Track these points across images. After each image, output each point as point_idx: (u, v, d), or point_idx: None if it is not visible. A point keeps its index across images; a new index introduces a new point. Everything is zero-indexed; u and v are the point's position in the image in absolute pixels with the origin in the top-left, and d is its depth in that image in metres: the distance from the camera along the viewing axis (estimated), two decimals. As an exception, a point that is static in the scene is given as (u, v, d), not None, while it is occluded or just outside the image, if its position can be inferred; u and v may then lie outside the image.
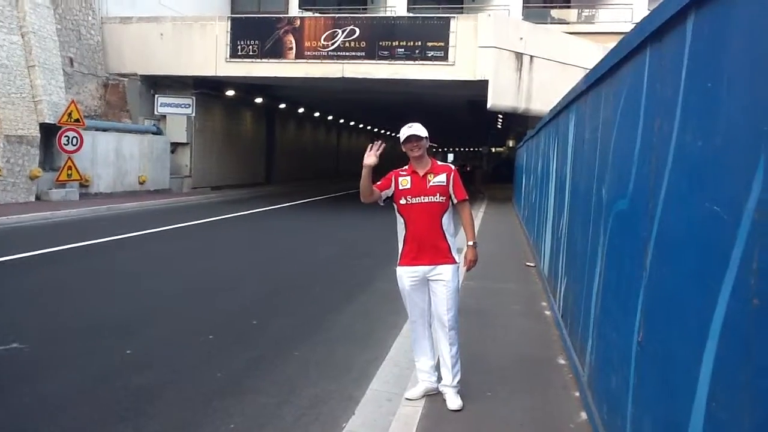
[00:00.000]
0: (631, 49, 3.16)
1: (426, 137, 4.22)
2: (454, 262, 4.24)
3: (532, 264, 9.48)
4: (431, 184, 4.21)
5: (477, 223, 15.33)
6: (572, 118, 5.65)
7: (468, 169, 46.21)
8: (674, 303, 2.25)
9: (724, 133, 1.90)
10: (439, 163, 4.38)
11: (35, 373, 4.90)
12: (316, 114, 39.37)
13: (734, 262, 1.70)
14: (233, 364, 5.19)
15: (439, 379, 4.28)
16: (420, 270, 4.23)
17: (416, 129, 4.21)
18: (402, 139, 4.23)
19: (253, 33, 22.15)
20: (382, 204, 4.38)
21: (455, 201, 4.27)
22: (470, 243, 4.34)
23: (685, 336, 2.09)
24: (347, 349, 5.70)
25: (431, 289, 4.27)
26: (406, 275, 4.27)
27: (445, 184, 4.23)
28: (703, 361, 1.87)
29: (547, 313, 6.63)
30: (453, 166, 4.40)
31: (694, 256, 2.07)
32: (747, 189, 1.64)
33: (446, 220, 4.24)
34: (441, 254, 4.21)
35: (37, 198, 18.31)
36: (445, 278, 4.19)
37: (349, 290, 8.25)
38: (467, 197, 4.32)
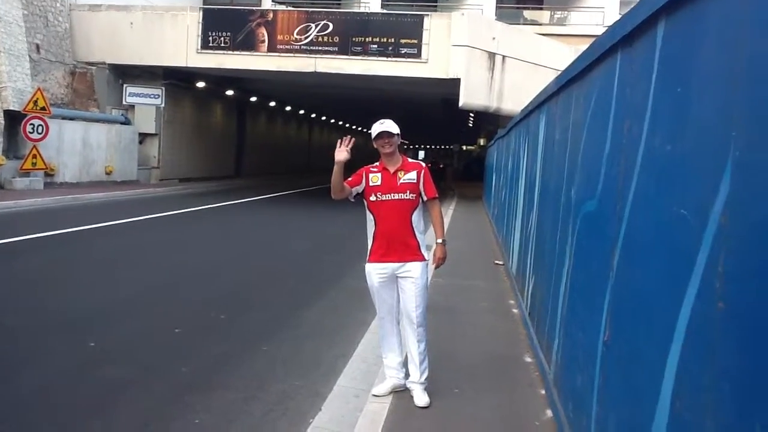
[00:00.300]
0: (602, 53, 3.19)
1: (398, 134, 4.23)
2: (423, 259, 4.25)
3: (500, 262, 9.56)
4: (402, 181, 4.21)
5: (447, 220, 15.40)
6: (543, 118, 5.70)
7: (441, 166, 46.39)
8: (640, 304, 2.28)
9: (693, 137, 1.93)
10: (410, 160, 4.38)
11: (6, 363, 4.80)
12: (288, 108, 39.16)
13: (699, 266, 1.73)
14: (201, 359, 5.15)
15: (407, 375, 4.29)
16: (389, 267, 4.24)
17: (388, 125, 4.21)
18: (373, 136, 4.22)
19: (225, 25, 21.93)
20: (352, 200, 4.38)
21: (425, 198, 4.28)
22: (439, 241, 4.35)
23: (651, 337, 2.12)
24: (316, 344, 5.68)
25: (400, 286, 4.28)
26: (374, 272, 4.27)
27: (415, 181, 4.23)
28: (667, 362, 1.90)
29: (515, 311, 6.69)
30: (423, 164, 4.40)
31: (661, 258, 2.10)
32: (714, 193, 1.67)
33: (416, 218, 4.25)
34: (410, 251, 4.22)
35: (1, 187, 17.92)
36: (413, 275, 4.20)
37: (318, 286, 8.23)
38: (437, 195, 4.34)
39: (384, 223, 4.24)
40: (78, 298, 6.97)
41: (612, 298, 2.65)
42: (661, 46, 2.28)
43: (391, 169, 4.25)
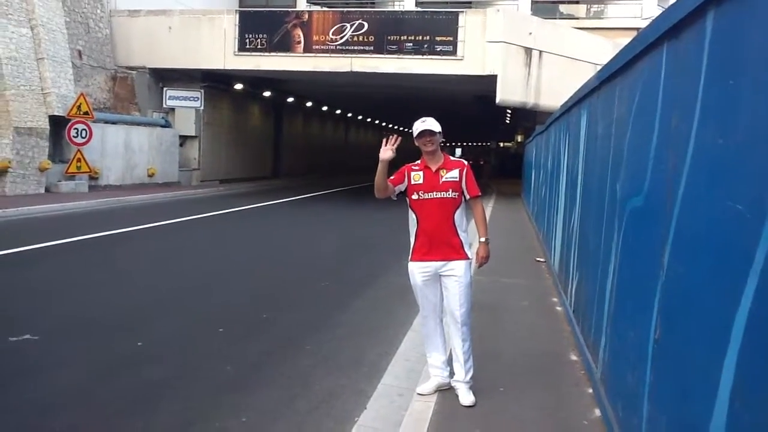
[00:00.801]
0: (647, 45, 3.14)
1: (439, 132, 4.21)
2: (466, 257, 4.23)
3: (542, 259, 9.47)
4: (444, 179, 4.19)
5: (486, 217, 15.31)
6: (584, 114, 5.63)
7: (482, 162, 46.25)
8: (693, 302, 2.24)
9: (747, 130, 1.89)
10: (452, 158, 4.36)
11: (47, 364, 4.93)
12: (324, 108, 39.36)
13: (758, 262, 1.68)
14: (244, 358, 5.20)
15: (452, 374, 4.28)
16: (432, 266, 4.23)
17: (430, 124, 4.19)
18: (415, 134, 4.21)
19: (261, 27, 22.14)
20: (395, 198, 4.38)
21: (468, 197, 4.27)
22: (482, 239, 4.35)
23: (706, 335, 2.08)
24: (358, 343, 5.70)
25: (443, 285, 4.27)
26: (417, 270, 4.27)
27: (457, 179, 4.21)
28: (725, 361, 1.86)
29: (558, 308, 6.62)
30: (465, 162, 4.37)
31: (715, 254, 2.06)
32: (772, 187, 1.63)
33: (458, 216, 4.23)
34: (453, 250, 4.20)
35: (47, 190, 18.38)
36: (457, 274, 4.19)
37: (358, 284, 8.26)
38: (480, 193, 4.33)
39: (426, 222, 4.22)
40: (126, 297, 7.10)
41: (663, 295, 2.60)
42: (710, 38, 2.23)
43: (433, 168, 4.23)
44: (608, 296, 3.82)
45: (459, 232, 4.23)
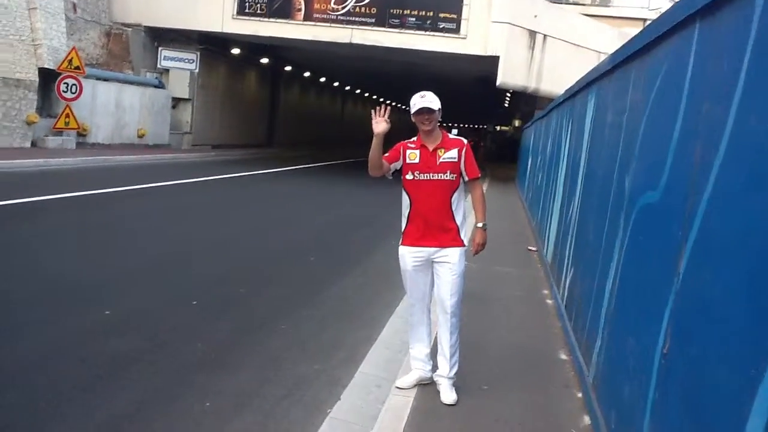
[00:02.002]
0: (674, 25, 2.82)
1: (438, 109, 3.88)
2: (461, 245, 3.93)
3: (534, 248, 9.20)
4: (441, 160, 3.87)
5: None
6: (592, 99, 5.31)
7: (481, 144, 45.84)
8: (719, 316, 1.95)
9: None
10: (451, 136, 4.03)
11: (11, 330, 4.62)
12: (322, 79, 38.79)
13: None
14: (215, 335, 4.91)
15: (434, 368, 4.00)
16: (425, 251, 3.93)
17: (429, 99, 3.85)
18: (413, 110, 3.87)
19: (262, -10, 21.58)
20: (390, 177, 4.07)
21: (466, 179, 3.95)
22: (479, 225, 4.02)
23: (735, 357, 1.79)
24: (338, 325, 5.42)
25: (435, 272, 3.97)
26: (409, 255, 3.97)
27: (456, 160, 3.89)
28: (759, 390, 1.57)
29: (549, 301, 6.35)
30: (465, 141, 4.03)
31: (750, 263, 1.77)
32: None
33: (456, 200, 3.92)
34: (448, 236, 3.91)
35: (33, 144, 17.93)
36: (451, 261, 3.89)
37: (344, 262, 7.98)
38: (479, 175, 4.01)
39: (421, 205, 3.91)
40: (100, 263, 6.78)
41: (676, 305, 2.31)
42: (761, 13, 1.91)
43: (430, 147, 3.90)
44: (607, 296, 3.54)
45: (455, 216, 3.93)
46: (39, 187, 11.24)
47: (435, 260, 3.95)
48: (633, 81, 3.62)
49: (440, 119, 3.97)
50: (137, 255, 7.34)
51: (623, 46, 3.98)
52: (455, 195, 3.92)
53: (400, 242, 4.03)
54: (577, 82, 6.60)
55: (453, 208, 3.92)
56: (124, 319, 5.07)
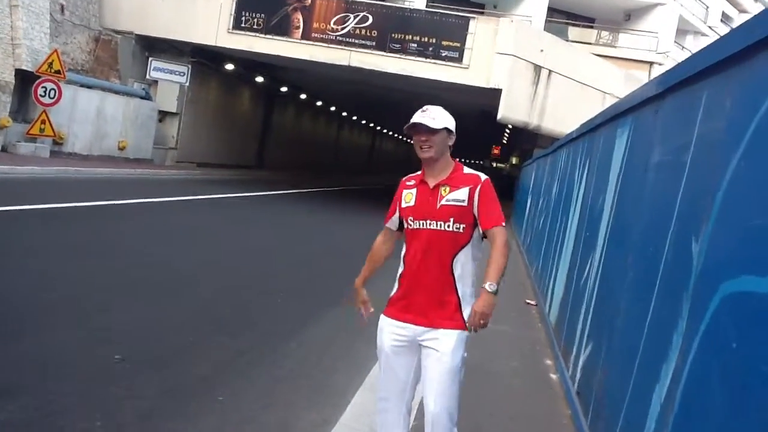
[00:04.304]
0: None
1: (445, 129, 2.83)
2: (461, 326, 2.81)
3: (533, 302, 8.12)
4: (443, 202, 2.81)
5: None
6: (623, 133, 4.29)
7: None
8: None
9: None
10: (467, 170, 2.90)
11: None
12: (318, 103, 37.87)
13: None
14: (132, 404, 3.79)
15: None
16: (409, 329, 2.85)
17: (431, 114, 2.81)
18: (407, 126, 2.84)
19: (260, 5, 20.69)
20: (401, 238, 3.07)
21: (482, 230, 2.85)
22: (488, 286, 2.74)
23: None
24: (291, 398, 4.30)
25: (422, 360, 2.86)
26: (388, 330, 2.90)
27: (465, 204, 2.80)
28: None
29: (554, 376, 5.26)
30: (483, 176, 2.89)
31: None
32: None
33: (461, 262, 2.82)
34: (443, 312, 2.81)
35: (3, 149, 16.81)
36: (440, 348, 2.78)
37: (320, 303, 6.92)
38: (503, 223, 2.84)
39: (413, 263, 2.85)
40: (18, 287, 5.67)
41: None
42: None
43: (431, 183, 2.85)
44: (661, 411, 2.46)
45: (458, 286, 2.82)
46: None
47: (422, 343, 2.85)
48: (706, 105, 2.59)
49: (451, 146, 2.92)
50: (71, 285, 6.21)
51: (685, 62, 2.96)
52: (461, 255, 2.81)
53: (384, 309, 2.97)
54: (598, 115, 5.59)
55: (455, 274, 2.81)
56: (19, 377, 3.94)
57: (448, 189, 2.81)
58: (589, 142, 6.05)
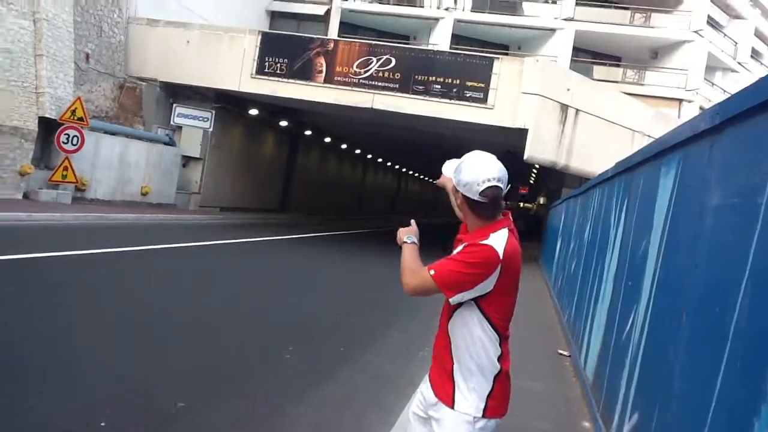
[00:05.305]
0: None
1: (463, 184, 2.41)
2: (451, 406, 2.41)
3: (566, 353, 7.54)
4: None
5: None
6: (669, 171, 3.81)
7: None
8: None
9: None
10: (495, 233, 2.41)
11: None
12: (343, 146, 37.83)
13: None
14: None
15: None
16: (429, 394, 2.51)
17: (449, 168, 2.56)
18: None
19: (283, 51, 20.71)
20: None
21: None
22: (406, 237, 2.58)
23: None
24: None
25: None
26: (419, 391, 2.63)
27: None
28: None
29: (593, 444, 4.71)
30: (488, 242, 2.36)
31: None
32: None
33: (455, 327, 2.44)
34: (441, 382, 2.45)
35: (25, 196, 16.75)
36: (437, 427, 2.43)
37: (332, 359, 6.40)
38: (433, 273, 2.34)
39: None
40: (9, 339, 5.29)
41: None
42: None
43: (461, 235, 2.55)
44: None
45: (454, 354, 2.43)
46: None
47: (431, 415, 2.47)
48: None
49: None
50: (67, 337, 5.82)
51: (753, 86, 2.50)
52: (456, 319, 2.42)
53: None
54: (638, 152, 5.10)
55: (451, 337, 2.44)
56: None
57: (461, 243, 2.46)
58: (625, 182, 5.57)
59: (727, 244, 2.52)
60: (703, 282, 2.75)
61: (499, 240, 2.36)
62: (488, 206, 2.39)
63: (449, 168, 2.53)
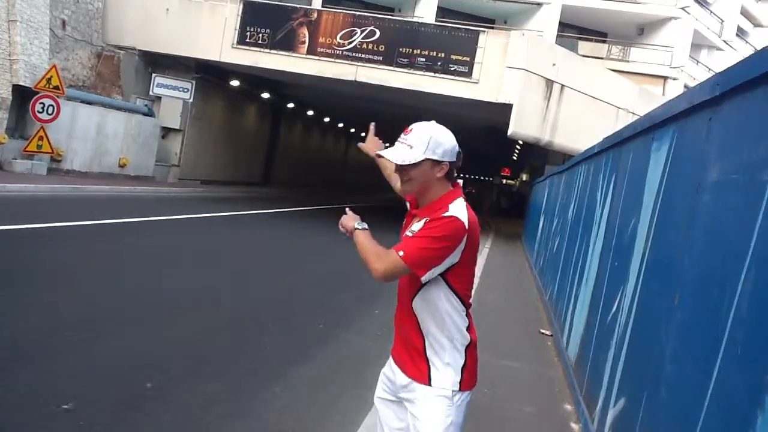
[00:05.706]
0: None
1: (427, 161, 2.30)
2: (428, 383, 2.29)
3: (548, 332, 7.43)
4: (406, 233, 2.34)
5: (481, 260, 13.28)
6: (661, 146, 3.65)
7: (472, 191, 44.01)
8: None
9: None
10: (454, 204, 2.28)
11: None
12: (326, 119, 37.42)
13: None
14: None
15: None
16: (396, 374, 2.38)
17: (409, 141, 2.36)
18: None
19: (265, 20, 20.26)
20: None
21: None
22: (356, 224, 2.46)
23: None
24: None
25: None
26: (382, 373, 2.49)
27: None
28: None
29: (575, 426, 4.59)
30: (451, 213, 2.23)
31: None
32: None
33: (422, 303, 2.31)
34: (412, 361, 2.33)
35: (-1, 167, 16.35)
36: (413, 409, 2.30)
37: (311, 339, 6.22)
38: (402, 254, 2.17)
39: (398, 296, 2.44)
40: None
41: None
42: None
43: (413, 210, 2.44)
44: None
45: (422, 329, 2.32)
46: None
47: (402, 396, 2.35)
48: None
49: (439, 176, 2.33)
50: (44, 314, 5.59)
51: (759, 53, 2.31)
52: (422, 296, 2.30)
53: None
54: (628, 126, 4.94)
55: (418, 315, 2.32)
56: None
57: (417, 219, 2.33)
58: (612, 158, 5.41)
59: (727, 222, 2.35)
60: (699, 261, 2.59)
61: (460, 210, 2.25)
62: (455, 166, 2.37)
63: (421, 145, 2.30)
